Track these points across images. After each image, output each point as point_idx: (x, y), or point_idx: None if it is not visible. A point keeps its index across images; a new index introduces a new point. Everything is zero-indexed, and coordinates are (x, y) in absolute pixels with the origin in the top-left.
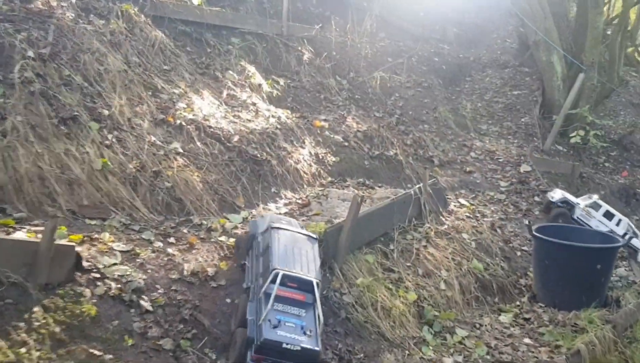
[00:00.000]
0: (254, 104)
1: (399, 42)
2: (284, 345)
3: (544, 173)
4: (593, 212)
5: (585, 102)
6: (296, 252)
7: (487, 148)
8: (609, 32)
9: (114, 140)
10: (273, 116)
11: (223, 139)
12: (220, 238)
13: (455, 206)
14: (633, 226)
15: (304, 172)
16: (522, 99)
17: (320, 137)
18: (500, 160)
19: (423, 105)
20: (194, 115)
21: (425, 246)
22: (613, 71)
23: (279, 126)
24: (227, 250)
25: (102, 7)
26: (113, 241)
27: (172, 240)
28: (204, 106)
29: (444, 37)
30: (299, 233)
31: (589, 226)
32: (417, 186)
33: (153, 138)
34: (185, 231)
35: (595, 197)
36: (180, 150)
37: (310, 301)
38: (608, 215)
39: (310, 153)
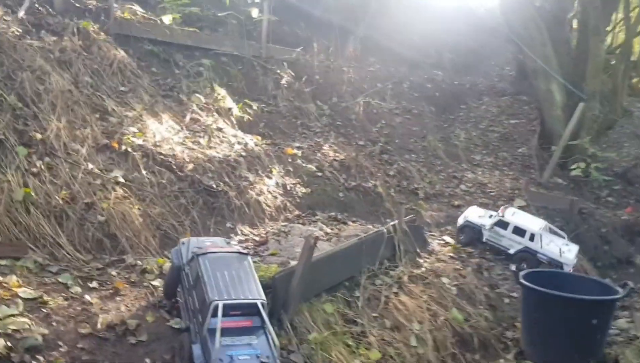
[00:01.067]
0: (219, 129)
1: (390, 67)
2: None
3: (539, 209)
4: (502, 231)
5: (586, 133)
6: (229, 275)
7: (479, 180)
8: (612, 62)
9: (42, 167)
10: (239, 143)
11: (174, 167)
12: (153, 282)
13: (439, 244)
14: (545, 232)
15: (267, 205)
16: (519, 128)
17: (291, 166)
18: (493, 194)
19: (411, 133)
20: (144, 140)
21: (396, 293)
22: (616, 101)
23: (243, 154)
24: (159, 296)
25: (56, 24)
26: (19, 286)
27: (94, 284)
28: (160, 131)
29: (439, 62)
30: (227, 252)
31: (502, 247)
32: (392, 222)
33: (91, 166)
34: (114, 273)
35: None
36: (122, 179)
37: (258, 324)
38: (518, 231)
39: (277, 183)
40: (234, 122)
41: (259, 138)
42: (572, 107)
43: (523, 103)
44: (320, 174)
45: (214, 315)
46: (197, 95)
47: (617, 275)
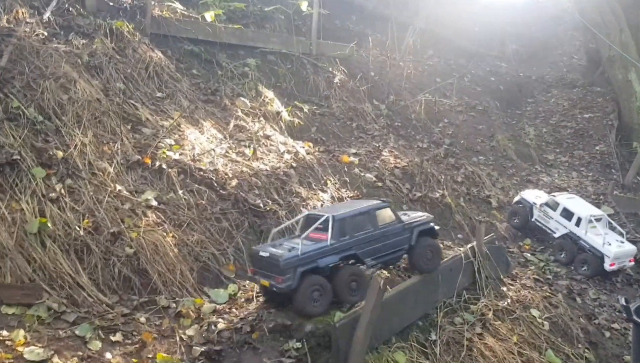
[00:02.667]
0: (267, 136)
1: (449, 60)
2: None
3: (628, 216)
4: (550, 212)
5: None
6: None
7: (556, 184)
8: None
9: (62, 191)
10: (289, 152)
11: (216, 184)
12: (188, 332)
13: (519, 262)
14: (600, 224)
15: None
16: (594, 123)
17: (348, 176)
18: None
19: (477, 132)
20: (181, 154)
21: (480, 334)
22: None
23: (294, 164)
24: (193, 354)
25: (87, 25)
26: (26, 343)
27: (117, 336)
28: (201, 141)
29: (502, 54)
30: None
31: (548, 229)
32: (470, 244)
33: (119, 187)
34: (142, 319)
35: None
36: (154, 202)
37: None
38: (566, 214)
39: (333, 197)
40: (283, 127)
41: (311, 144)
42: None
43: (597, 95)
44: (380, 184)
45: None
46: (242, 99)
47: None
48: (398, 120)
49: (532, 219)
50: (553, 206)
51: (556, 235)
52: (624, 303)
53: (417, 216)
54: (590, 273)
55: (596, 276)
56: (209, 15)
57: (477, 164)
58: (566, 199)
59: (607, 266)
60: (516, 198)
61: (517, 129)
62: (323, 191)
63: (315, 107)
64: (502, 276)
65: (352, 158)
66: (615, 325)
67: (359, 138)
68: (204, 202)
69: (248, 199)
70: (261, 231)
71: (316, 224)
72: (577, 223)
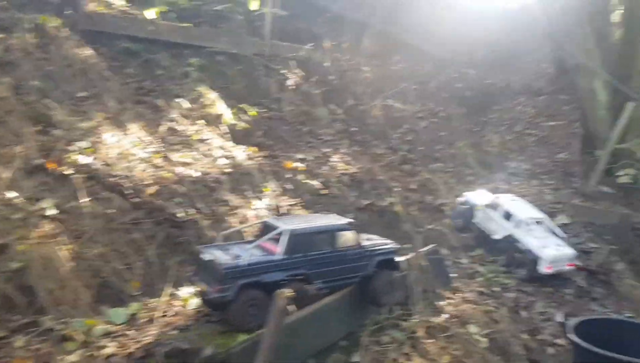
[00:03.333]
0: (202, 140)
1: (416, 66)
2: None
3: (586, 225)
4: (492, 213)
5: (634, 135)
6: None
7: (515, 192)
8: None
9: None
10: (227, 156)
11: (128, 191)
12: (70, 357)
13: (467, 273)
14: (540, 227)
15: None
16: (558, 131)
17: (291, 182)
18: None
19: (438, 139)
20: (95, 158)
21: (407, 354)
22: None
23: (229, 170)
24: None
25: (7, 18)
26: None
27: None
28: (122, 145)
29: (471, 60)
30: None
31: (489, 232)
32: (407, 256)
33: (13, 194)
34: (19, 343)
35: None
36: (52, 211)
37: None
38: (507, 216)
39: (269, 205)
40: (226, 131)
41: (256, 149)
42: (618, 107)
43: (563, 103)
44: (325, 191)
45: None
46: (180, 100)
47: None
48: (355, 125)
49: (474, 221)
50: (495, 207)
51: (496, 237)
52: (560, 320)
53: (380, 243)
54: (527, 276)
55: (534, 281)
56: (152, 12)
57: (435, 172)
58: (508, 201)
59: (542, 269)
60: (460, 199)
61: (480, 137)
62: (259, 198)
63: (264, 110)
64: (441, 290)
65: (297, 164)
66: (560, 341)
67: (309, 143)
68: (112, 211)
69: (166, 207)
70: (177, 244)
71: (270, 235)
72: (517, 225)
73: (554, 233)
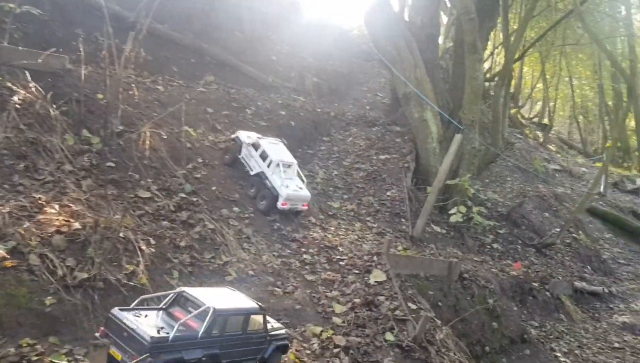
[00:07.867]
0: None
1: (232, 89)
2: None
3: (409, 278)
4: (253, 151)
5: (466, 169)
6: None
7: (327, 241)
8: (492, 93)
9: None
10: None
11: None
12: None
13: None
14: (289, 170)
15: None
16: (390, 165)
17: None
18: (343, 263)
19: (242, 176)
20: None
21: None
22: (497, 133)
23: None
24: None
25: None
26: None
27: None
28: None
29: (301, 86)
30: None
31: (249, 167)
32: None
33: None
34: None
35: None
36: None
37: None
38: (263, 156)
39: None
40: None
41: None
42: (450, 140)
43: (396, 135)
44: (16, 263)
45: None
46: None
47: (509, 361)
48: (115, 158)
49: (240, 156)
50: (256, 147)
51: (252, 173)
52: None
53: (276, 327)
54: (265, 208)
55: (270, 214)
56: None
57: (227, 219)
58: (267, 144)
59: (279, 204)
60: (232, 136)
61: (305, 171)
62: None
63: None
64: None
65: None
66: None
67: (16, 187)
68: None
69: None
70: None
71: (196, 313)
72: (269, 165)
73: (300, 177)
